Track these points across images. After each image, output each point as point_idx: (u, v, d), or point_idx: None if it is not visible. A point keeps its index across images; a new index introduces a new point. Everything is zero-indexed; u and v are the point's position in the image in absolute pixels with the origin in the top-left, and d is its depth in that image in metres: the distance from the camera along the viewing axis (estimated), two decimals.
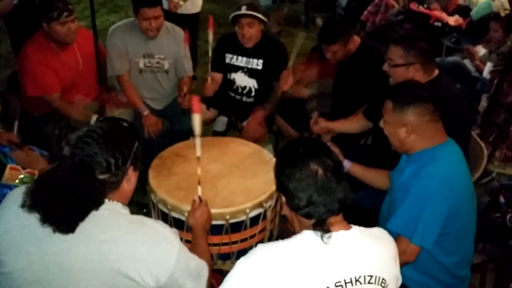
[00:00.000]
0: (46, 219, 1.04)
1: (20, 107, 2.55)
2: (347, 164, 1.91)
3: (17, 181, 1.84)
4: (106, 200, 1.13)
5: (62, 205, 1.03)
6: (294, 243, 1.08)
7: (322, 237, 1.06)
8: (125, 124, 1.24)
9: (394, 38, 1.98)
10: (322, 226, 1.07)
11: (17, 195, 1.12)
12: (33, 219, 1.05)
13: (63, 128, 2.50)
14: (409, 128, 1.52)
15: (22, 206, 1.06)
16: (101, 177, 1.11)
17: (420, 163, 1.52)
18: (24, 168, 1.87)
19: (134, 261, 1.08)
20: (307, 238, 1.08)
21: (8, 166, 1.85)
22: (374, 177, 1.90)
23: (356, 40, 2.44)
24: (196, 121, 1.52)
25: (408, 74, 1.86)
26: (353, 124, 2.32)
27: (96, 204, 1.09)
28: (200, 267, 1.27)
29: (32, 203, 1.05)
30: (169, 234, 1.17)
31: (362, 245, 1.09)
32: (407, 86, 1.62)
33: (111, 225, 1.10)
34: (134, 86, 2.63)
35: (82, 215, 1.06)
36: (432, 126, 1.53)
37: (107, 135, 1.13)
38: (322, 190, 1.08)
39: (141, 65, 2.63)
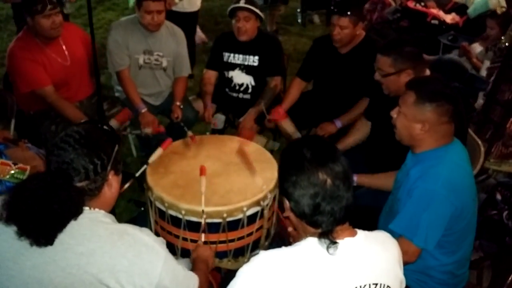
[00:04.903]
0: (23, 232, 1.00)
1: (16, 105, 2.54)
2: (354, 177, 1.85)
3: (7, 176, 1.81)
4: (87, 208, 1.09)
5: (38, 218, 0.99)
6: (298, 250, 1.05)
7: (328, 248, 1.02)
8: (105, 127, 1.18)
9: (379, 48, 1.97)
10: (328, 236, 1.04)
11: None
12: (10, 232, 1.01)
13: (59, 124, 2.50)
14: (426, 126, 1.47)
15: None
16: (79, 184, 1.06)
17: (426, 164, 1.49)
18: (15, 164, 1.85)
19: (114, 273, 1.04)
20: (311, 245, 1.05)
21: None
22: (383, 183, 1.88)
23: (362, 32, 2.46)
24: (203, 182, 1.70)
25: (400, 81, 1.86)
26: (359, 134, 2.31)
27: (74, 214, 1.05)
28: (189, 278, 1.24)
29: (8, 215, 1.00)
30: (154, 243, 1.11)
31: (367, 253, 1.07)
32: (432, 81, 1.56)
33: (89, 236, 1.06)
34: (133, 83, 2.64)
35: (60, 227, 1.02)
36: (446, 127, 1.50)
37: (85, 140, 1.08)
38: (330, 199, 1.04)
39: (141, 61, 2.64)
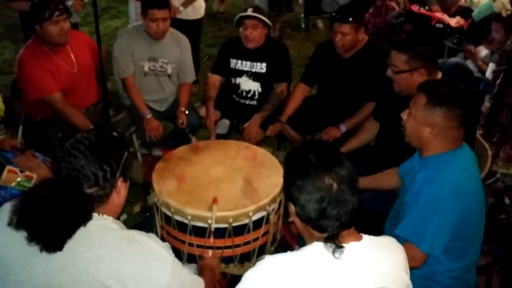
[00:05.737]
0: (32, 238, 1.01)
1: (23, 112, 2.56)
2: None
3: (14, 184, 1.83)
4: (95, 214, 1.10)
5: (49, 224, 1.00)
6: (304, 255, 1.04)
7: (333, 252, 1.02)
8: (114, 134, 1.20)
9: (395, 44, 1.96)
10: (334, 241, 1.03)
11: (3, 212, 1.09)
12: (20, 237, 1.02)
13: (66, 131, 2.52)
14: (435, 129, 1.46)
15: (9, 224, 1.02)
16: (88, 191, 1.08)
17: (434, 168, 1.47)
18: (22, 172, 1.87)
19: (123, 280, 1.04)
20: (317, 250, 1.04)
21: (7, 168, 1.85)
22: (384, 183, 1.87)
23: (364, 37, 2.46)
24: (215, 209, 1.66)
25: (412, 79, 1.85)
26: (366, 135, 2.30)
27: (84, 220, 1.06)
28: (195, 283, 1.25)
29: (19, 221, 1.01)
30: (161, 250, 1.12)
31: (372, 258, 1.06)
32: (445, 85, 1.55)
33: (98, 243, 1.06)
34: (138, 90, 2.66)
35: (69, 233, 1.03)
36: (456, 133, 1.48)
37: (94, 147, 1.09)
38: (336, 203, 1.03)
39: (146, 68, 2.66)
